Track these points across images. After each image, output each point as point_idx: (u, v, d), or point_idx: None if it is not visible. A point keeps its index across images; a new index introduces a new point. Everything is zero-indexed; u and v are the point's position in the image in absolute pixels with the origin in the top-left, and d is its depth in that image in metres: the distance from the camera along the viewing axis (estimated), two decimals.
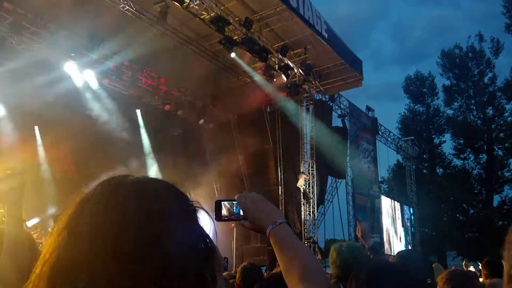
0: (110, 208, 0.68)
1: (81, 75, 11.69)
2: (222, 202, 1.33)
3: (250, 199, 1.30)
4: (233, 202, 1.32)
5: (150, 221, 0.67)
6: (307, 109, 15.65)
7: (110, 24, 10.86)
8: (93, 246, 0.64)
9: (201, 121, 14.95)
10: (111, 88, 12.74)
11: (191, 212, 0.75)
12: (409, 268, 1.72)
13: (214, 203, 1.33)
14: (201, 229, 0.75)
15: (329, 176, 17.81)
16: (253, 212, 1.28)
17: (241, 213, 1.31)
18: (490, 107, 32.48)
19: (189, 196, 0.78)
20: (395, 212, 21.44)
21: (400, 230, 21.55)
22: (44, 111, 10.57)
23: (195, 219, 0.75)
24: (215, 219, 1.30)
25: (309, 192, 14.97)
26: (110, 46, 11.49)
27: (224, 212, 1.32)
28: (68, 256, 0.65)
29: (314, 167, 15.18)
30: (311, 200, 14.86)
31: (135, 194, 0.71)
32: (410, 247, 21.55)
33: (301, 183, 14.67)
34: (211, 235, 0.75)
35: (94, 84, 12.15)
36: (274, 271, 6.34)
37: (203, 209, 0.78)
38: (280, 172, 16.12)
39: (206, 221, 0.78)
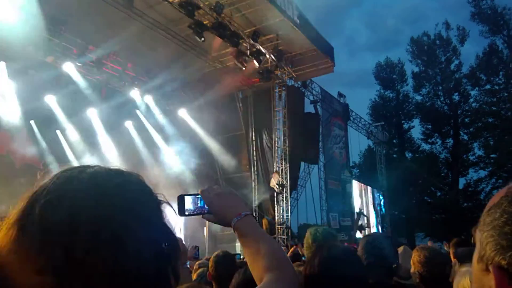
0: (64, 204, 0.62)
1: (42, 59, 11.19)
2: (185, 197, 1.31)
3: (214, 192, 1.30)
4: (197, 196, 1.31)
5: (107, 218, 0.62)
6: (280, 95, 15.63)
7: (73, 7, 10.40)
8: (43, 245, 0.59)
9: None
10: (75, 72, 12.28)
11: (154, 206, 0.71)
12: (358, 260, 1.76)
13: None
14: (164, 225, 0.71)
15: (301, 162, 17.93)
16: (217, 206, 1.28)
17: (206, 206, 1.30)
18: (456, 93, 33.63)
19: (153, 189, 0.73)
20: (367, 196, 21.90)
21: (372, 213, 22.04)
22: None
23: (158, 214, 0.71)
24: (178, 214, 1.29)
25: (283, 178, 15.03)
26: (73, 30, 11.02)
27: (188, 206, 1.31)
28: (17, 254, 0.61)
29: (287, 153, 15.24)
30: (283, 187, 14.90)
31: (92, 188, 0.65)
32: (380, 230, 22.11)
33: (273, 183, 14.66)
34: (178, 229, 0.67)
35: (56, 68, 11.67)
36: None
37: (167, 203, 0.74)
38: (253, 158, 16.11)
39: (174, 214, 0.76)
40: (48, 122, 11.74)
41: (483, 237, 0.62)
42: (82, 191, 0.64)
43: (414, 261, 2.72)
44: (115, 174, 0.70)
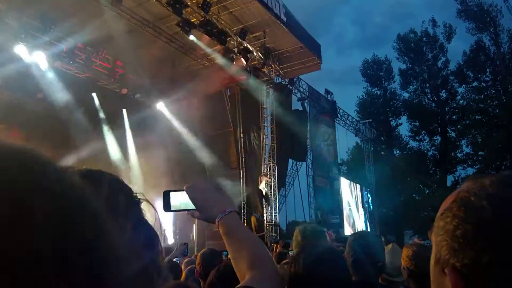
0: (45, 203, 0.60)
1: (32, 58, 11.15)
2: (171, 193, 1.31)
3: (198, 188, 1.29)
4: (183, 192, 1.30)
5: (86, 218, 0.59)
6: (267, 93, 15.72)
7: (63, 5, 10.41)
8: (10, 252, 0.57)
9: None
10: (64, 71, 12.26)
11: (133, 204, 0.72)
12: (342, 261, 1.77)
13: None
14: (143, 222, 0.72)
15: (289, 159, 18.04)
16: (201, 202, 1.27)
17: (191, 203, 1.29)
18: (444, 91, 33.72)
19: (131, 188, 0.74)
20: (356, 194, 22.03)
21: (361, 210, 22.19)
22: None
23: (137, 212, 0.72)
24: (164, 210, 1.29)
25: (271, 175, 15.13)
26: (63, 28, 11.03)
27: (174, 202, 1.31)
28: None
29: (275, 151, 15.33)
30: (272, 184, 15.01)
31: (70, 189, 0.60)
32: (369, 227, 22.28)
33: (262, 186, 14.76)
34: (155, 226, 0.74)
35: (46, 66, 11.64)
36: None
37: (147, 200, 0.75)
38: (241, 156, 16.19)
39: (155, 212, 0.78)
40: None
41: (438, 241, 0.66)
42: (61, 193, 0.63)
43: (404, 256, 2.77)
44: (94, 173, 0.71)
